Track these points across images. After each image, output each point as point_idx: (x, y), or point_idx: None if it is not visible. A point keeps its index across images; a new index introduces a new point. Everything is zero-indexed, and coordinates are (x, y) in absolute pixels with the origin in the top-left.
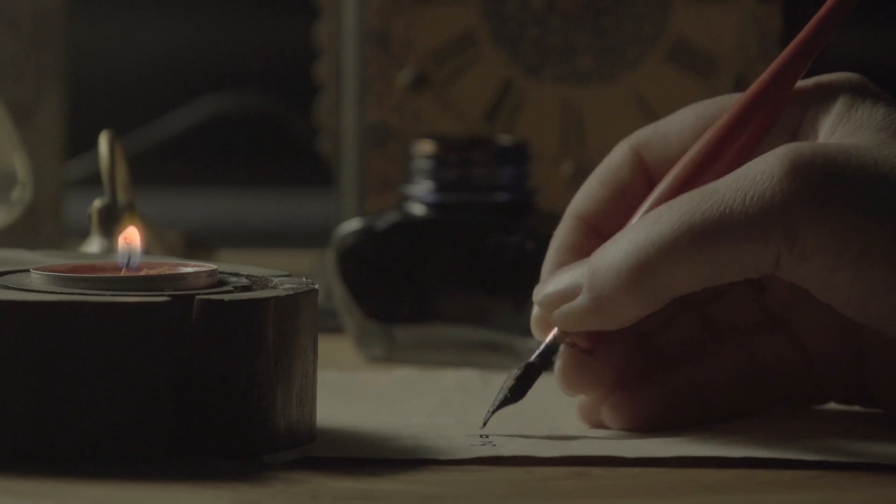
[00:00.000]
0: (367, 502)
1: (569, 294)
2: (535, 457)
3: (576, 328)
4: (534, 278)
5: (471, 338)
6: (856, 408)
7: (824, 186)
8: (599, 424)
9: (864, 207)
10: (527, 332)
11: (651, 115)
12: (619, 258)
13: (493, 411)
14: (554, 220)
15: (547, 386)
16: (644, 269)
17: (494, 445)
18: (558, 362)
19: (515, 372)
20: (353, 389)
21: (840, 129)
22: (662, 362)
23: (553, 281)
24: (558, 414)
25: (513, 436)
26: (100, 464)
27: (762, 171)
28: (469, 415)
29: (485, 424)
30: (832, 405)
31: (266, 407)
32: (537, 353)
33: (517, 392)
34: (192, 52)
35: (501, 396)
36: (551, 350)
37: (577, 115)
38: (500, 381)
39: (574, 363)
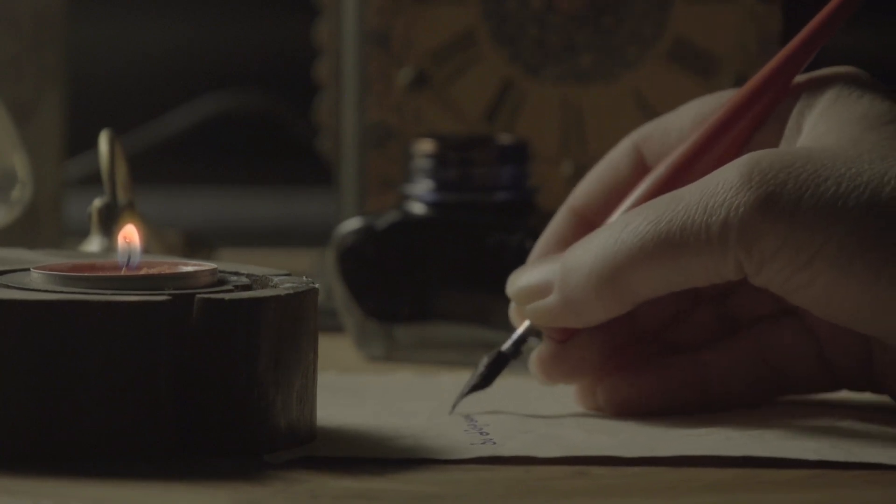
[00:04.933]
0: (366, 502)
1: (541, 290)
2: (535, 457)
3: (547, 325)
4: None
5: (471, 338)
6: (866, 395)
7: (777, 194)
8: (596, 408)
9: (814, 211)
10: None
11: (651, 115)
12: (589, 262)
13: (462, 396)
14: None
15: (546, 385)
16: (611, 275)
17: (494, 444)
18: (534, 352)
19: (486, 360)
20: (353, 390)
21: (820, 124)
22: (664, 349)
23: (527, 274)
24: (557, 412)
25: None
26: (100, 464)
27: (723, 180)
28: (469, 415)
29: (454, 408)
30: (834, 397)
31: (266, 407)
32: (510, 341)
33: (485, 379)
34: (192, 52)
35: (472, 382)
36: (523, 340)
37: (577, 115)
38: (500, 381)
39: (548, 353)
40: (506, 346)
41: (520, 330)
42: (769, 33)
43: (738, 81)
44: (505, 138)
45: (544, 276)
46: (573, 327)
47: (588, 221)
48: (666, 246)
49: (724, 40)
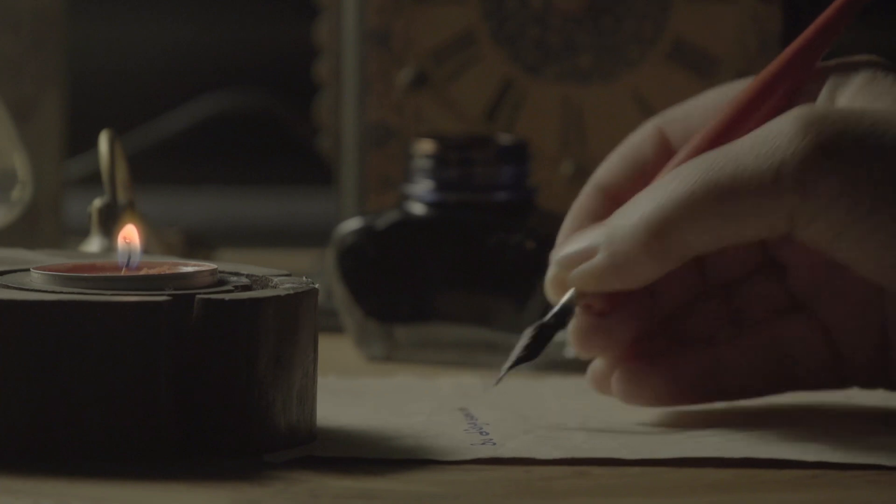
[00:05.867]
0: (366, 502)
1: (587, 253)
2: (536, 457)
3: (593, 288)
4: (534, 278)
5: (471, 338)
6: (870, 395)
7: (836, 141)
8: (608, 393)
9: (876, 161)
10: None
11: (651, 115)
12: (637, 215)
13: (509, 368)
14: (554, 219)
15: (548, 385)
16: (662, 226)
17: (495, 445)
18: (572, 323)
19: (530, 331)
20: (354, 390)
21: (859, 99)
22: (680, 342)
23: (572, 242)
24: (558, 412)
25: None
26: (100, 464)
27: (776, 130)
28: (469, 413)
29: (498, 382)
30: (834, 397)
31: (266, 407)
32: (552, 313)
33: (532, 351)
34: (192, 52)
35: (517, 354)
36: (566, 311)
37: (578, 115)
38: (500, 382)
39: (588, 324)
40: (548, 317)
41: (563, 300)
42: (769, 33)
43: None
44: (505, 138)
45: (590, 241)
46: (620, 289)
47: (613, 198)
48: (718, 193)
49: (724, 40)
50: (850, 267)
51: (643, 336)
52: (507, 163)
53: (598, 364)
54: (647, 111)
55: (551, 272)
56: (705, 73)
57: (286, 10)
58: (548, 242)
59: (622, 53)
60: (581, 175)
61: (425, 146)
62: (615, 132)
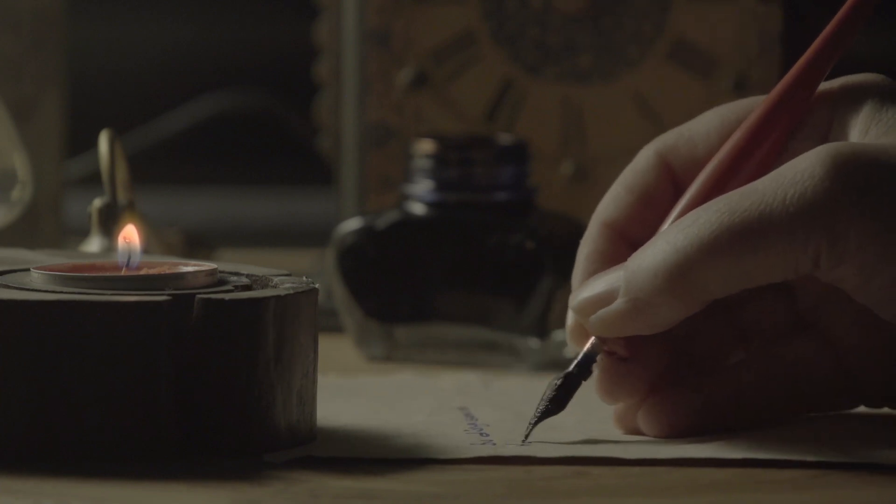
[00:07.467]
0: (366, 502)
1: (605, 298)
2: (535, 457)
3: (613, 333)
4: (534, 278)
5: (471, 338)
6: (884, 411)
7: (867, 186)
8: (635, 431)
9: None
10: (526, 332)
11: (651, 115)
12: (657, 260)
13: (535, 423)
14: (554, 219)
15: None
16: (682, 270)
17: (494, 445)
18: (597, 372)
19: (555, 382)
20: (353, 390)
21: (873, 129)
22: (698, 369)
23: (588, 286)
24: (560, 414)
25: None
26: (100, 464)
27: (802, 170)
28: (470, 413)
29: (526, 437)
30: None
31: (266, 407)
32: (575, 362)
33: (558, 403)
34: (192, 52)
35: (542, 407)
36: (589, 359)
37: (578, 115)
38: (501, 382)
39: (611, 371)
40: (572, 367)
41: (585, 348)
42: (769, 33)
43: (739, 81)
44: (505, 138)
45: (608, 285)
46: (641, 334)
47: (622, 234)
48: (742, 238)
49: (724, 40)
50: (875, 310)
51: (663, 369)
52: (507, 163)
53: (621, 405)
54: (647, 111)
55: (570, 319)
56: (705, 72)
57: (286, 10)
58: (548, 242)
59: (622, 53)
60: (581, 175)
61: (425, 146)
62: (615, 132)
